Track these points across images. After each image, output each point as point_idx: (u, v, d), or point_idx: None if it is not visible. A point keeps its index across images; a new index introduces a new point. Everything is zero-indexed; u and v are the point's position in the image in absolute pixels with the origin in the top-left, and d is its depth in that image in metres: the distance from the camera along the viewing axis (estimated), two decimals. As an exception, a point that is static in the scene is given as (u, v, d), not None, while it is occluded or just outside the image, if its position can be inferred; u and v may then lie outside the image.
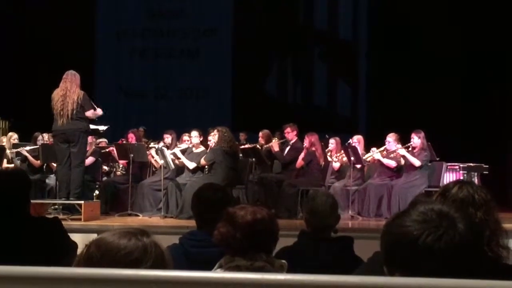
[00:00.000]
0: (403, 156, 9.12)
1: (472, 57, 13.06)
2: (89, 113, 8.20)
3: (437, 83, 13.39)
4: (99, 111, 8.36)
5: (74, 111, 7.99)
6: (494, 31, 12.96)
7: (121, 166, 10.70)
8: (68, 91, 8.03)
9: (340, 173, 9.81)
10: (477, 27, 13.08)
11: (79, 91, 8.10)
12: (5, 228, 3.36)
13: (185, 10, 15.71)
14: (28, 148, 9.95)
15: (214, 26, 15.58)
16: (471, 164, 10.15)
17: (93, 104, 8.30)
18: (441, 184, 8.65)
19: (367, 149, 9.71)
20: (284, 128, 9.82)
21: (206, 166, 9.20)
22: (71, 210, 8.45)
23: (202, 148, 9.42)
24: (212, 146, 9.15)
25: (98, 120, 9.36)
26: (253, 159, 9.78)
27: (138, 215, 8.91)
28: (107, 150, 10.39)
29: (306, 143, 9.40)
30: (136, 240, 1.67)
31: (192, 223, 3.85)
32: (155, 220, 8.65)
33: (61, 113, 7.99)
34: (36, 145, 9.93)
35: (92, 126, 8.60)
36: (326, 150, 9.80)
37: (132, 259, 1.64)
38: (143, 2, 15.82)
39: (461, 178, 9.49)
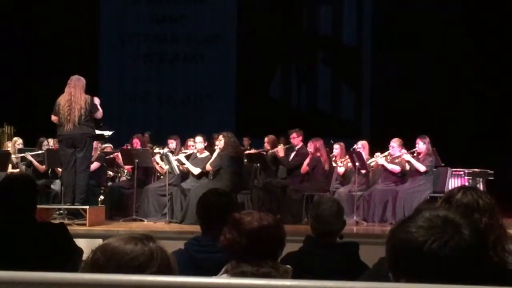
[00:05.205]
0: (408, 162, 9.10)
1: (477, 61, 13.05)
2: (98, 114, 8.24)
3: (442, 88, 13.39)
4: (96, 100, 8.34)
5: (82, 117, 8.01)
6: (499, 34, 12.96)
7: (126, 171, 10.71)
8: (73, 96, 8.05)
9: (344, 178, 9.80)
10: (482, 31, 13.09)
11: (85, 96, 8.12)
12: (11, 234, 3.37)
13: (189, 15, 15.75)
14: (33, 153, 9.97)
15: (219, 31, 15.62)
16: (476, 169, 10.13)
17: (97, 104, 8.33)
18: (446, 190, 8.64)
19: (371, 154, 9.70)
20: (290, 133, 9.80)
21: (211, 172, 9.19)
22: (76, 215, 8.45)
23: (206, 153, 9.42)
24: (218, 152, 9.12)
25: (103, 125, 9.37)
26: (258, 164, 9.78)
27: (143, 220, 8.91)
28: (112, 155, 10.40)
29: (311, 148, 9.39)
30: (142, 245, 1.67)
31: (197, 228, 3.86)
32: (160, 225, 8.65)
33: (68, 118, 8.00)
34: (41, 150, 9.95)
35: (97, 132, 8.61)
36: (331, 156, 9.79)
37: (138, 264, 1.64)
38: (147, 7, 15.87)
39: (466, 183, 9.47)
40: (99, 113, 8.26)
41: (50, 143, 10.26)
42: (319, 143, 9.41)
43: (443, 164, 9.74)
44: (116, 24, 15.86)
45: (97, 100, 8.32)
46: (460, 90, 13.26)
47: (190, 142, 9.75)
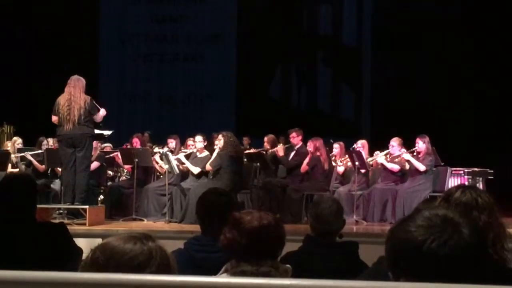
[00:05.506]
0: (408, 161, 9.11)
1: (477, 61, 13.05)
2: (97, 117, 8.23)
3: (442, 88, 13.39)
4: (103, 111, 8.35)
5: (82, 117, 8.01)
6: (499, 34, 12.95)
7: (125, 171, 10.71)
8: (72, 96, 8.06)
9: (344, 178, 9.80)
10: (482, 31, 13.08)
11: (85, 97, 8.12)
12: (11, 234, 3.36)
13: (189, 15, 15.75)
14: (32, 152, 9.97)
15: (219, 31, 15.62)
16: (476, 169, 10.14)
17: (97, 106, 8.31)
18: (445, 189, 8.64)
19: (371, 154, 9.71)
20: (290, 133, 9.81)
21: (211, 171, 9.19)
22: (76, 215, 8.46)
23: (206, 153, 9.42)
24: (218, 151, 9.12)
25: (103, 125, 9.37)
26: (258, 163, 9.78)
27: (142, 220, 8.92)
28: (111, 155, 10.40)
29: (310, 147, 9.40)
30: (141, 244, 1.67)
31: (196, 228, 3.86)
32: (160, 225, 8.65)
33: (68, 118, 8.01)
34: (41, 149, 9.95)
35: (96, 131, 8.61)
36: (331, 155, 9.79)
37: (137, 264, 1.64)
38: (147, 7, 15.86)
39: (466, 183, 9.47)
40: (99, 117, 8.26)
41: (50, 142, 10.26)
42: (319, 142, 9.41)
43: (442, 164, 9.75)
44: (116, 24, 15.85)
45: (103, 112, 8.30)
46: (460, 90, 13.25)
47: (189, 142, 9.75)
